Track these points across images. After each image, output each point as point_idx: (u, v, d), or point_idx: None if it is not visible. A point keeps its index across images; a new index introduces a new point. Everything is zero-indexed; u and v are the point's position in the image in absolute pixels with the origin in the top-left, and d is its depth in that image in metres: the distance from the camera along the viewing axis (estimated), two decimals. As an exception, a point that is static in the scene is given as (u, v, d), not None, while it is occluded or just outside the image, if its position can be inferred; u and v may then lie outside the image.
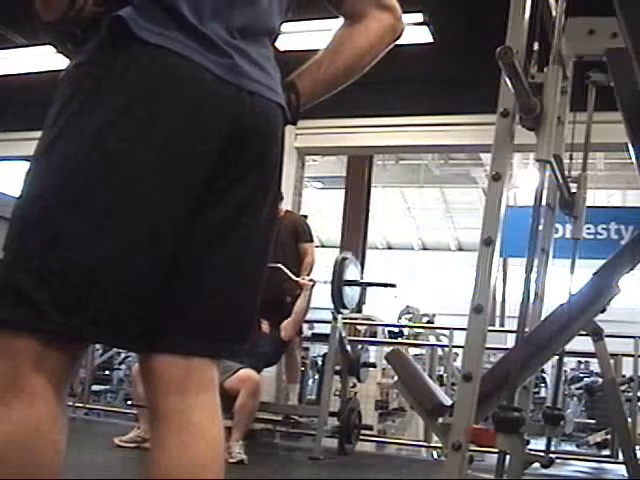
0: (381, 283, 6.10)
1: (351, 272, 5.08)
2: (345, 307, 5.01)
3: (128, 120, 1.00)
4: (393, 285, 5.93)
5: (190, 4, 1.05)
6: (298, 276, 5.22)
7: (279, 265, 4.91)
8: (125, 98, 1.00)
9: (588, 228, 6.30)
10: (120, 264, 0.99)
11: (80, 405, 6.24)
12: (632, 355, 5.25)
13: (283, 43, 5.57)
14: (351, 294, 5.05)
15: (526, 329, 2.22)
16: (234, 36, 1.09)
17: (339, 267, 4.98)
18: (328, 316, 5.13)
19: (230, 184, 1.08)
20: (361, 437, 5.44)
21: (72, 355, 1.01)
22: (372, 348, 7.23)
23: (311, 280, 4.96)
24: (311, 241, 5.43)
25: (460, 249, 21.29)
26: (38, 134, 1.04)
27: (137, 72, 1.01)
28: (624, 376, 5.68)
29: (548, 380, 9.42)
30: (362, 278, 7.02)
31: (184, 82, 1.02)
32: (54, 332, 0.96)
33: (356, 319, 7.18)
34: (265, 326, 4.89)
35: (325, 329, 5.52)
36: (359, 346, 5.74)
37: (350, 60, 1.26)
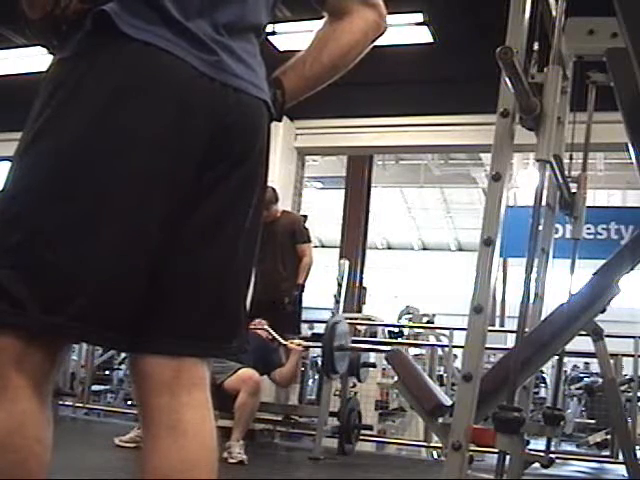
0: (372, 348, 6.07)
1: (341, 336, 4.92)
2: (336, 372, 4.92)
3: (111, 116, 0.99)
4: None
5: (175, 1, 1.05)
6: (296, 277, 5.21)
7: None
8: (109, 94, 1.00)
9: (588, 228, 6.28)
10: (103, 261, 0.98)
11: (80, 405, 6.24)
12: (632, 355, 5.25)
13: (283, 43, 5.59)
14: (342, 358, 4.95)
15: (526, 329, 2.22)
16: (220, 32, 1.09)
17: (330, 332, 4.81)
18: (328, 316, 5.12)
19: (216, 181, 1.08)
20: (361, 437, 5.44)
21: (55, 352, 1.01)
22: (372, 348, 7.22)
23: (300, 345, 4.91)
24: (309, 242, 5.41)
25: (460, 249, 21.30)
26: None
27: (121, 68, 1.01)
28: (624, 376, 5.68)
29: (548, 380, 9.42)
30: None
31: (169, 78, 1.02)
32: (36, 329, 0.96)
33: (356, 319, 7.17)
34: (264, 326, 4.89)
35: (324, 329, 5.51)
36: (359, 346, 5.73)
37: (335, 56, 1.26)
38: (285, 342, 4.87)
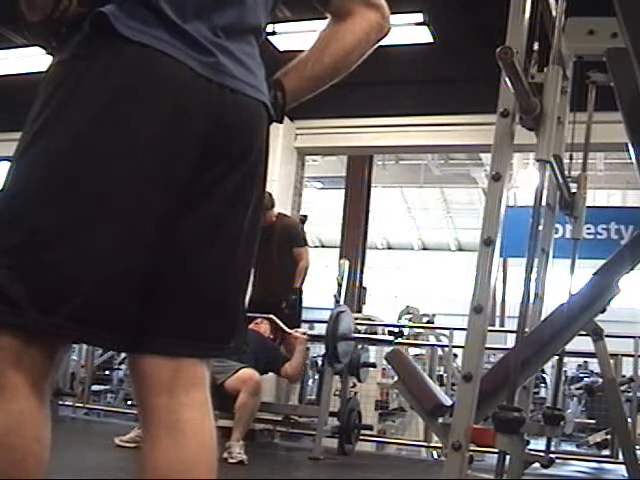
0: (376, 339, 6.10)
1: (345, 325, 4.94)
2: (339, 362, 4.92)
3: (109, 117, 1.00)
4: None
5: (172, 3, 1.05)
6: (294, 279, 5.22)
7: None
8: (107, 95, 1.00)
9: (588, 228, 6.28)
10: (100, 262, 0.98)
11: (80, 405, 6.23)
12: (632, 355, 5.25)
13: (283, 43, 5.59)
14: (346, 348, 4.96)
15: (526, 329, 2.22)
16: (217, 34, 1.09)
17: (334, 322, 4.81)
18: (328, 316, 5.12)
19: (214, 182, 1.08)
20: (361, 437, 5.43)
21: (54, 352, 1.01)
22: (372, 348, 7.22)
23: (304, 334, 4.93)
24: (305, 245, 5.42)
25: (460, 249, 21.30)
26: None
27: (119, 70, 1.01)
28: (624, 376, 5.68)
29: (548, 380, 9.42)
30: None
31: (166, 80, 1.03)
32: (33, 329, 0.96)
33: (356, 319, 7.16)
34: (265, 327, 4.89)
35: (325, 330, 5.52)
36: (359, 346, 5.74)
37: (337, 57, 1.25)
38: (290, 331, 4.89)
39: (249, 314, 4.48)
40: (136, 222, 1.01)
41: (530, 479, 2.76)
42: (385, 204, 17.34)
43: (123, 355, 8.15)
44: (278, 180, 6.03)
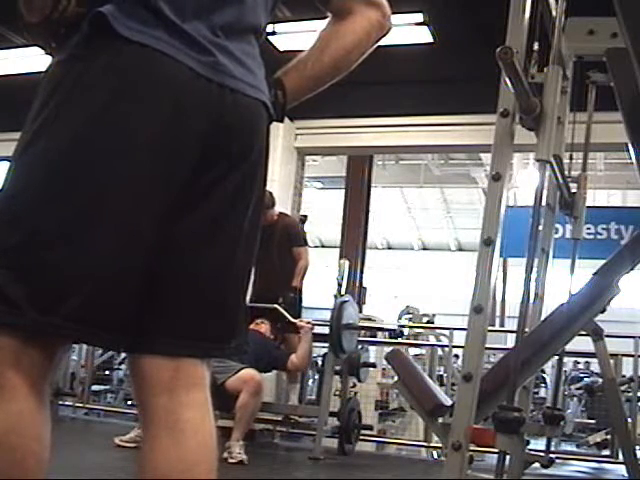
0: (380, 328, 6.10)
1: (349, 315, 4.93)
2: (344, 352, 4.93)
3: (109, 117, 1.00)
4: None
5: (171, 2, 1.05)
6: (293, 278, 5.22)
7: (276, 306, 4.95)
8: (106, 95, 1.00)
9: (588, 228, 6.28)
10: (99, 261, 0.98)
11: (80, 405, 6.23)
12: (632, 355, 5.25)
13: (283, 43, 5.58)
14: (350, 337, 4.97)
15: (526, 329, 2.22)
16: (217, 34, 1.09)
17: (338, 311, 4.81)
18: (328, 316, 5.12)
19: (214, 182, 1.08)
20: (361, 437, 5.43)
21: (53, 352, 1.01)
22: (372, 348, 7.22)
23: (309, 323, 4.93)
24: (305, 245, 5.43)
25: (460, 249, 21.30)
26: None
27: (118, 70, 1.01)
28: (624, 376, 5.68)
29: (548, 380, 9.42)
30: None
31: (165, 80, 1.03)
32: (32, 329, 0.96)
33: (356, 319, 7.15)
34: (266, 327, 4.90)
35: (325, 329, 5.52)
36: (359, 346, 5.74)
37: (337, 56, 1.25)
38: (294, 320, 4.89)
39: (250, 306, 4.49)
40: (136, 222, 1.01)
41: (530, 479, 2.76)
42: (385, 204, 17.34)
43: (123, 355, 8.15)
44: (278, 180, 6.03)
